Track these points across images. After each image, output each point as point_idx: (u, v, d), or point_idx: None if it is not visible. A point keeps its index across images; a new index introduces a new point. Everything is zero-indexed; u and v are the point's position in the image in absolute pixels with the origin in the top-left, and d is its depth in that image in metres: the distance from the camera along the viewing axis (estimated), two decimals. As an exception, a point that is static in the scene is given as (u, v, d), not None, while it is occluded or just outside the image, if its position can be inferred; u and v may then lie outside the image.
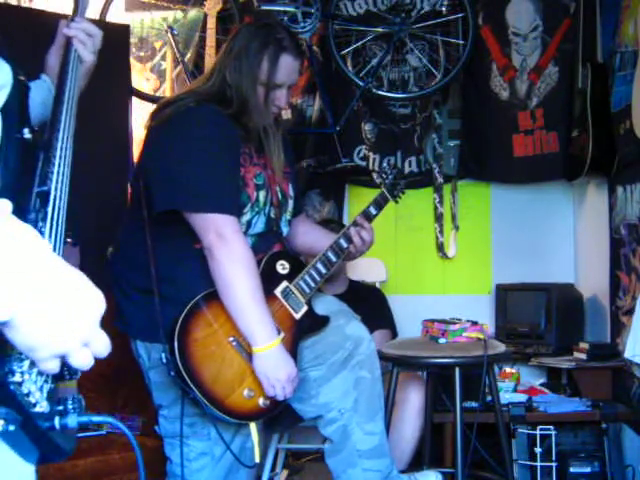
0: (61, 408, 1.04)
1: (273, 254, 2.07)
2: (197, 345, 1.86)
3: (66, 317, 0.85)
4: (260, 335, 1.89)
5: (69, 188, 1.25)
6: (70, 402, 1.05)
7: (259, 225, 2.05)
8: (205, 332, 1.88)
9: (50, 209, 1.16)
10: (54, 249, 1.12)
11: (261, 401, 1.94)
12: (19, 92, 1.19)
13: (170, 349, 1.83)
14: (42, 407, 0.97)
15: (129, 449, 2.73)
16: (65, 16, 1.67)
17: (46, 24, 3.09)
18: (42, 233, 1.11)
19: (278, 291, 2.04)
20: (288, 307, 2.04)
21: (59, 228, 1.17)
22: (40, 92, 1.58)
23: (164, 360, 1.85)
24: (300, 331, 2.05)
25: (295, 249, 2.35)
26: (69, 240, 1.26)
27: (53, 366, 0.88)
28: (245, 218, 2.00)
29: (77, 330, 0.86)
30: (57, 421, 1.01)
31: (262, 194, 2.04)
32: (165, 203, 1.92)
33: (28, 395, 0.95)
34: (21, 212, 1.10)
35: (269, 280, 2.00)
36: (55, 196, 1.19)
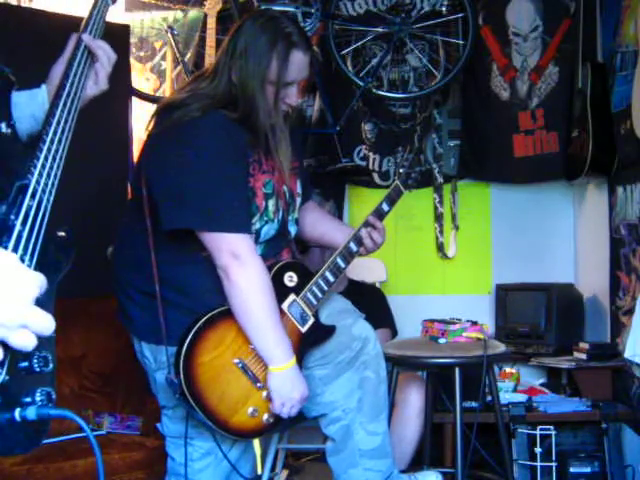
0: (28, 400, 1.05)
1: (281, 266, 2.02)
2: (202, 369, 1.85)
3: None
4: (277, 356, 1.89)
5: (58, 184, 1.24)
6: (38, 395, 1.06)
7: (270, 233, 2.02)
8: (210, 355, 1.87)
9: (27, 202, 1.15)
10: (29, 241, 1.12)
11: (265, 418, 1.94)
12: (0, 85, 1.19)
13: (175, 373, 1.83)
14: None
15: (129, 449, 2.73)
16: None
17: (46, 24, 3.10)
18: (13, 226, 1.11)
19: (285, 305, 2.00)
20: (294, 321, 2.01)
21: (38, 221, 1.16)
22: (32, 104, 1.52)
23: (168, 381, 1.85)
24: (306, 344, 2.03)
25: (304, 239, 2.31)
26: (61, 234, 1.25)
27: None
28: (254, 228, 1.97)
29: (6, 313, 0.88)
30: (17, 413, 1.02)
31: (271, 203, 2.00)
32: (175, 221, 1.88)
33: None
34: None
35: (276, 294, 1.97)
36: (35, 189, 1.18)
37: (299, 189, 2.15)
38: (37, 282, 0.91)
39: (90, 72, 1.53)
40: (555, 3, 3.75)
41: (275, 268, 2.01)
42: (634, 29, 3.09)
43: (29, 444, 1.07)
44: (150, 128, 2.01)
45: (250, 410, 1.91)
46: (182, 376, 1.81)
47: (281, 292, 2.00)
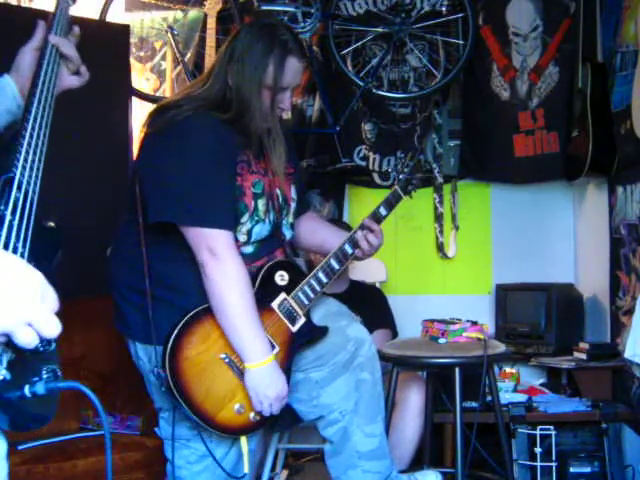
0: (36, 378, 1.12)
1: (273, 264, 2.03)
2: (188, 363, 1.86)
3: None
4: (253, 352, 1.89)
5: (42, 176, 1.32)
6: (44, 372, 1.15)
7: (262, 233, 2.03)
8: (197, 350, 1.88)
9: (14, 194, 1.22)
10: (20, 230, 1.18)
11: (251, 416, 1.94)
12: None
13: (162, 366, 1.85)
14: (1, 374, 1.04)
15: (129, 449, 2.73)
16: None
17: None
18: (3, 216, 1.17)
19: (275, 304, 2.01)
20: (285, 320, 2.01)
21: (26, 211, 1.22)
22: (4, 100, 1.55)
23: (156, 375, 1.87)
24: (296, 344, 2.03)
25: (302, 248, 2.32)
26: (50, 224, 1.34)
27: None
28: (245, 228, 1.98)
29: (12, 310, 0.89)
30: (27, 389, 1.09)
31: (261, 202, 2.01)
32: (159, 214, 1.91)
33: None
34: None
35: (267, 292, 1.98)
36: (20, 182, 1.25)
37: (294, 194, 2.16)
38: (41, 281, 0.93)
39: (60, 69, 1.58)
40: (555, 3, 3.75)
41: (266, 266, 2.01)
42: (634, 29, 3.09)
43: (42, 418, 1.15)
44: (144, 129, 2.03)
45: (236, 407, 1.91)
46: (168, 370, 1.83)
47: (272, 290, 2.01)
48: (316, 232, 2.29)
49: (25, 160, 1.29)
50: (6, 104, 1.55)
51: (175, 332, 1.85)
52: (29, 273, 0.92)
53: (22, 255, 1.17)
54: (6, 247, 1.14)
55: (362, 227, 2.21)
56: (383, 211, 2.28)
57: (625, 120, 3.13)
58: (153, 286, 1.93)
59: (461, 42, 3.73)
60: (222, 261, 1.87)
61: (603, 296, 3.50)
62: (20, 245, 1.16)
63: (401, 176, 2.39)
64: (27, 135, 1.33)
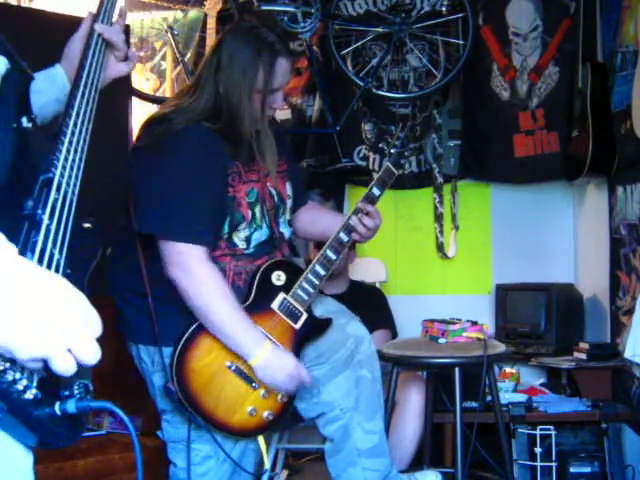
0: (67, 393, 1.04)
1: (268, 265, 2.03)
2: (194, 376, 1.89)
3: (42, 323, 0.83)
4: (247, 348, 1.90)
5: (81, 176, 1.24)
6: (76, 388, 1.07)
7: (261, 238, 2.03)
8: (202, 363, 1.90)
9: (52, 196, 1.13)
10: (57, 235, 1.09)
11: (265, 415, 1.96)
12: (17, 82, 1.16)
13: (170, 381, 1.89)
14: (32, 394, 0.97)
15: (129, 449, 2.72)
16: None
17: (46, 24, 3.09)
18: (41, 221, 1.08)
19: (275, 305, 2.01)
20: (287, 319, 2.01)
21: (64, 214, 1.13)
22: (53, 88, 1.54)
23: (166, 389, 1.90)
24: (301, 340, 2.04)
25: (306, 239, 2.30)
26: (87, 225, 1.25)
27: (34, 367, 0.87)
28: (243, 234, 1.99)
29: (55, 336, 0.83)
30: (57, 407, 1.01)
31: (257, 210, 2.02)
32: (142, 225, 1.92)
33: (15, 382, 0.94)
34: (22, 200, 1.09)
35: (265, 294, 1.99)
36: (60, 182, 1.16)
37: (289, 191, 2.15)
38: (85, 304, 0.87)
39: (106, 60, 1.55)
40: (555, 3, 3.75)
41: (262, 268, 2.01)
42: (634, 29, 3.10)
43: (72, 436, 1.07)
44: (135, 143, 2.04)
45: (249, 409, 1.93)
46: (176, 384, 1.86)
47: (270, 292, 2.01)
48: (316, 221, 2.28)
49: (65, 159, 1.20)
50: (55, 93, 1.53)
51: (179, 348, 1.88)
52: (74, 296, 0.86)
53: (58, 262, 1.09)
54: (42, 254, 1.05)
55: (356, 211, 2.15)
56: (376, 191, 2.20)
57: (625, 120, 3.13)
58: (153, 287, 1.94)
59: (461, 42, 3.73)
60: (191, 270, 1.86)
61: (603, 296, 3.50)
62: (57, 251, 1.08)
63: (392, 150, 2.31)
64: (69, 132, 1.25)
